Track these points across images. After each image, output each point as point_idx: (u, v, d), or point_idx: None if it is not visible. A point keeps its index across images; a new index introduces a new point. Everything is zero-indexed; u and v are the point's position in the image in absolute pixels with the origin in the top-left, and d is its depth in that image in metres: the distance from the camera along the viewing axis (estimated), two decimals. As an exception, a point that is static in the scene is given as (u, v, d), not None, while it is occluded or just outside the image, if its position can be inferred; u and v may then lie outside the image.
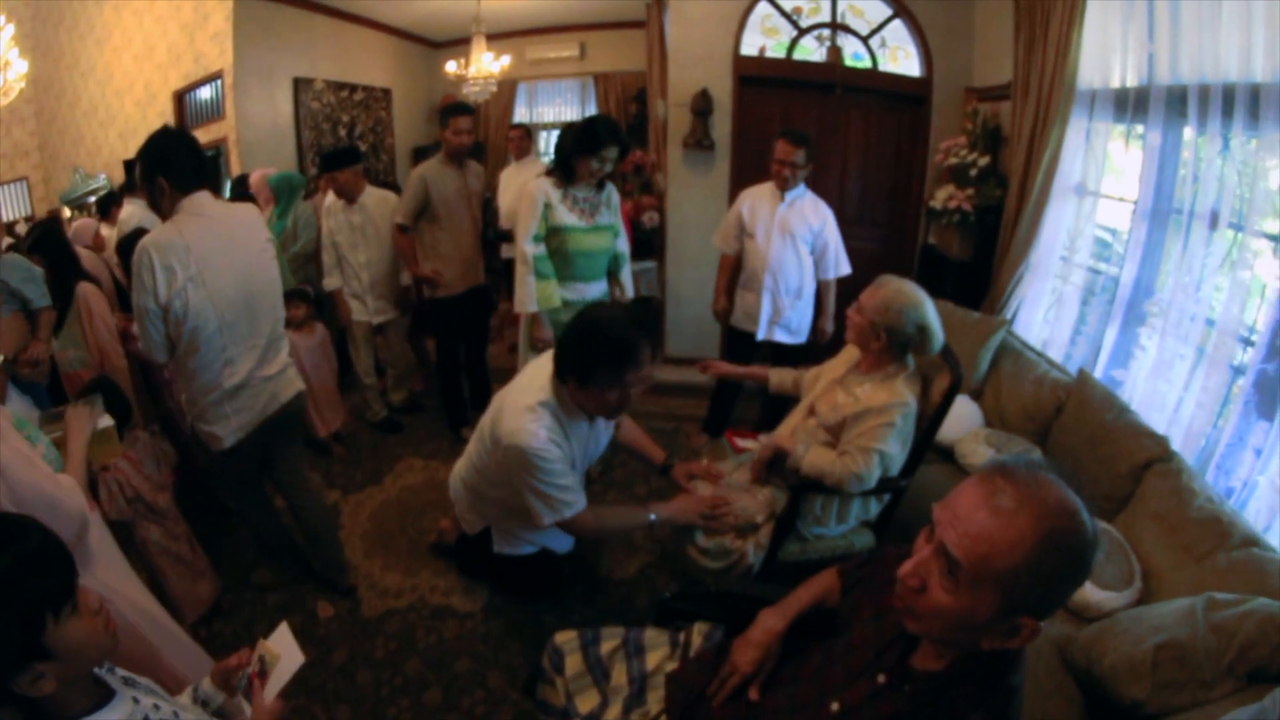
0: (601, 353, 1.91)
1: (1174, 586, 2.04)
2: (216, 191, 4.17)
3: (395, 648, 2.55)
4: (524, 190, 3.06)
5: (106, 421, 2.12)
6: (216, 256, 2.13)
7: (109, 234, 4.55)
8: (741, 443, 2.99)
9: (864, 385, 2.27)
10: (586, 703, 1.63)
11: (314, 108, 5.45)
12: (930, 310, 2.20)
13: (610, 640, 1.71)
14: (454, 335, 3.86)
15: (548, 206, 2.99)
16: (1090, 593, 2.13)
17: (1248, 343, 2.45)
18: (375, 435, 4.06)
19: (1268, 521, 2.20)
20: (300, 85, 5.32)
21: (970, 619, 0.98)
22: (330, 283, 3.88)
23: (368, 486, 3.55)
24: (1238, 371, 2.49)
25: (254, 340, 2.30)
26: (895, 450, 2.18)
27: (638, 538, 3.10)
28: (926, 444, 2.35)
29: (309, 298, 3.70)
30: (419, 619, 2.68)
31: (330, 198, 3.82)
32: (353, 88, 5.77)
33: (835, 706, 1.20)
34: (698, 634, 1.69)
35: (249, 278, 2.23)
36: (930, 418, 2.30)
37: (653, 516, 2.25)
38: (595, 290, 3.27)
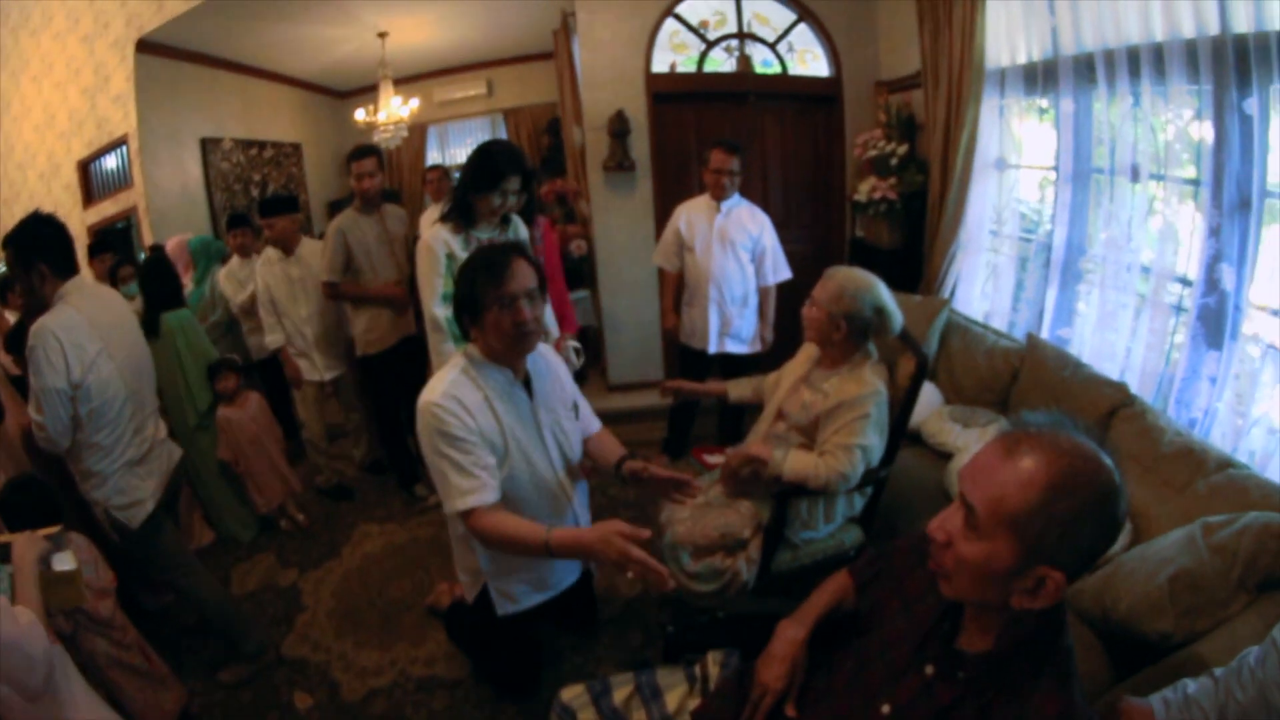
0: (475, 274, 1.85)
1: (1162, 521, 2.12)
2: (131, 262, 4.03)
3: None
4: (420, 247, 2.69)
5: (67, 564, 1.89)
6: (113, 330, 2.25)
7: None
8: (710, 459, 2.99)
9: (831, 380, 2.27)
10: None
11: (224, 168, 5.30)
12: (884, 290, 2.24)
13: (622, 688, 1.60)
14: (393, 390, 3.73)
15: (450, 258, 2.62)
16: (1086, 543, 2.20)
17: (1185, 282, 2.60)
18: (326, 505, 3.86)
19: (1233, 444, 2.33)
20: (208, 145, 5.17)
21: (991, 568, 1.00)
22: (274, 340, 3.69)
23: (325, 561, 3.36)
24: (1179, 310, 2.64)
25: (150, 406, 2.47)
26: (874, 442, 2.17)
27: (621, 581, 2.95)
28: (901, 430, 2.37)
29: (238, 367, 3.52)
30: (405, 695, 2.52)
31: (266, 251, 3.67)
32: (261, 145, 5.64)
33: (886, 709, 1.16)
34: (714, 664, 1.62)
35: (137, 346, 2.40)
36: (901, 403, 2.33)
37: (547, 538, 1.73)
38: None
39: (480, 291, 1.81)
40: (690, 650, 1.70)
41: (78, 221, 5.48)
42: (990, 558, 1.00)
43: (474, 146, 2.70)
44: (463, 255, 2.56)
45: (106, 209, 5.35)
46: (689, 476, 1.96)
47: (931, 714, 1.09)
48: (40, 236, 2.16)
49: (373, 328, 3.59)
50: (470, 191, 2.61)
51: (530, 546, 1.76)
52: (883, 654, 1.24)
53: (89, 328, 2.14)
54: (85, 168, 5.37)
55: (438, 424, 1.80)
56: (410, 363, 3.77)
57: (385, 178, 3.74)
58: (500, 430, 1.89)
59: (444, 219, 2.68)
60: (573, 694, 1.61)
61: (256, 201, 5.54)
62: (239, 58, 5.23)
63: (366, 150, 3.55)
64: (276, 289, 3.64)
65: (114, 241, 4.62)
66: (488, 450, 1.85)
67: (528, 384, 1.99)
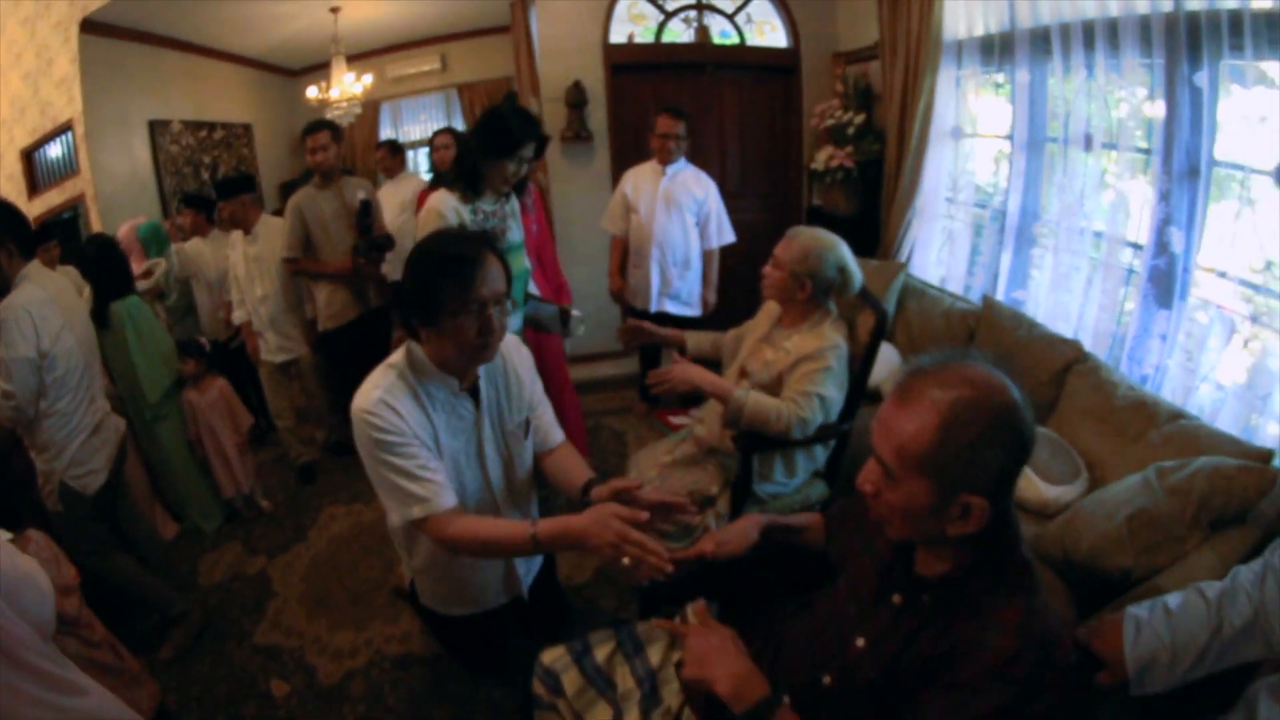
0: (438, 271, 1.58)
1: (1118, 470, 2.22)
2: (73, 251, 3.86)
3: (364, 710, 2.36)
4: (428, 213, 2.50)
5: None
6: (71, 308, 2.44)
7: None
8: (675, 420, 3.01)
9: (793, 338, 2.28)
10: (599, 718, 1.51)
11: (173, 151, 5.09)
12: (846, 250, 2.26)
13: (603, 646, 1.59)
14: (355, 364, 3.66)
15: (462, 229, 2.43)
16: (1044, 490, 2.30)
17: (1135, 247, 2.71)
18: (290, 489, 3.79)
19: (1184, 399, 2.43)
20: (156, 128, 4.94)
21: (915, 508, 1.06)
22: (239, 316, 3.69)
23: (293, 545, 3.30)
24: (1130, 273, 2.75)
25: (99, 379, 2.59)
26: (833, 394, 2.20)
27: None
28: (862, 385, 2.41)
29: (202, 351, 3.41)
30: (382, 674, 2.49)
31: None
32: (211, 126, 5.43)
33: (861, 642, 1.20)
34: (692, 615, 1.56)
35: (86, 324, 2.55)
36: (862, 359, 2.37)
37: (534, 532, 1.56)
38: (515, 324, 2.78)
39: (443, 292, 1.53)
40: (667, 603, 1.69)
41: (24, 210, 5.22)
42: (910, 500, 1.06)
43: (427, 122, 2.67)
44: (472, 229, 2.44)
45: (52, 198, 5.10)
46: (681, 500, 1.68)
47: (903, 640, 1.13)
48: (7, 218, 2.31)
49: (332, 301, 3.58)
50: (483, 159, 2.47)
51: (515, 548, 1.60)
52: (853, 593, 1.29)
53: (53, 303, 2.31)
54: (29, 156, 5.10)
55: (372, 432, 1.58)
56: (373, 335, 3.73)
57: (339, 150, 3.63)
58: (435, 444, 1.67)
59: (451, 187, 2.53)
60: (554, 656, 1.60)
61: (209, 185, 5.37)
62: (187, 36, 5.02)
63: (319, 124, 3.52)
64: (237, 267, 3.60)
65: (59, 231, 4.43)
66: (433, 455, 1.65)
67: (475, 392, 1.74)
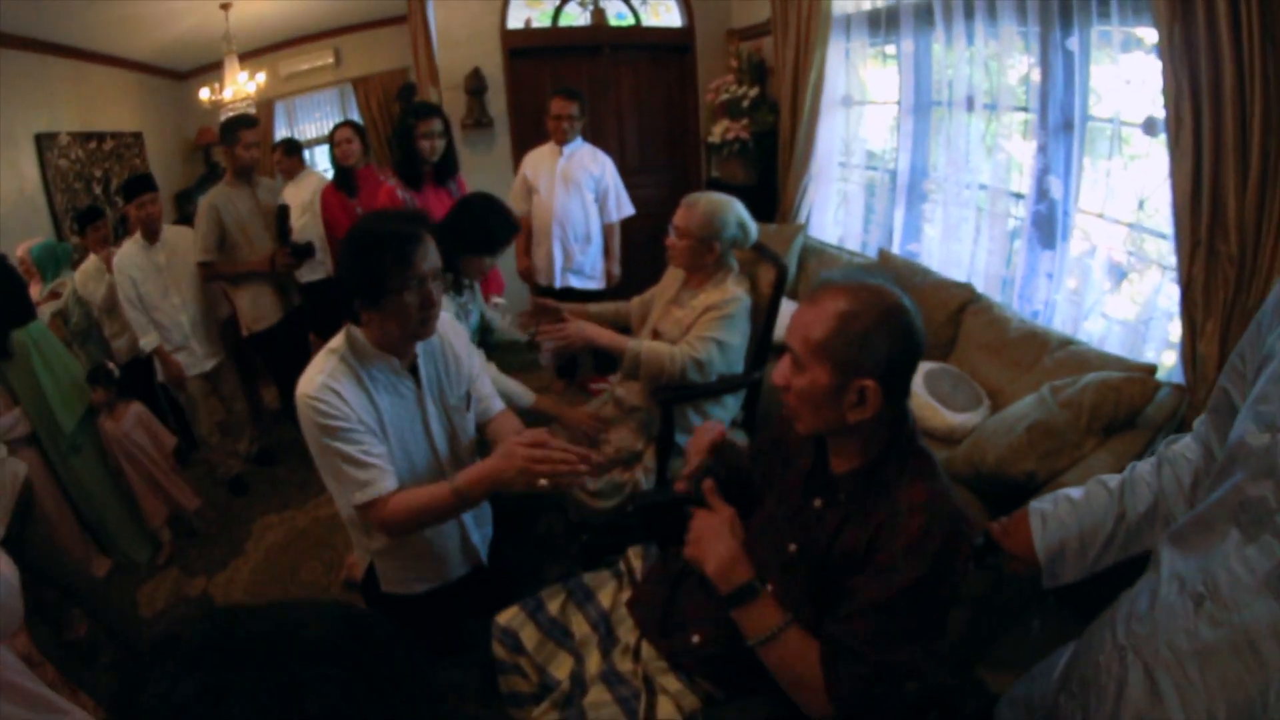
0: (380, 250, 1.56)
1: (1016, 394, 2.37)
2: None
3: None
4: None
5: None
6: None
7: None
8: (595, 385, 3.07)
9: (699, 296, 2.32)
10: (562, 667, 1.53)
11: (62, 165, 4.66)
12: (741, 206, 2.32)
13: (555, 599, 1.62)
14: (285, 369, 3.51)
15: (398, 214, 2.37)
16: (949, 418, 2.45)
17: (1018, 196, 2.90)
18: (220, 505, 3.56)
19: (1072, 329, 2.62)
20: (44, 142, 4.51)
21: (817, 392, 1.17)
22: (149, 341, 3.33)
23: (231, 561, 3.11)
24: (1016, 220, 2.93)
25: None
26: (732, 339, 2.23)
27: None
28: (768, 336, 2.47)
29: (111, 377, 3.12)
30: None
31: (125, 246, 3.32)
32: (101, 137, 5.02)
33: (793, 547, 1.29)
34: (635, 558, 1.67)
35: None
36: (766, 310, 2.43)
37: (452, 486, 1.57)
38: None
39: (387, 271, 1.53)
40: (609, 553, 1.76)
41: None
42: (813, 383, 1.17)
43: (322, 120, 2.60)
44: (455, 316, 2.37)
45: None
46: (587, 452, 1.57)
47: (828, 537, 1.23)
48: None
49: (257, 304, 3.42)
50: (462, 253, 2.39)
51: (442, 508, 1.58)
52: (780, 506, 1.37)
53: None
54: None
55: (318, 417, 1.55)
56: (300, 334, 3.64)
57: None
58: (380, 425, 1.65)
59: None
60: (509, 616, 1.61)
61: (102, 199, 5.01)
62: (71, 41, 4.58)
63: (252, 120, 3.37)
64: (144, 282, 3.28)
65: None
66: (376, 439, 1.62)
67: (415, 370, 1.73)
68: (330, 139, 3.70)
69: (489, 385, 1.97)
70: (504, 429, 1.93)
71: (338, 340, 1.65)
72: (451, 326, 1.86)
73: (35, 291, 3.44)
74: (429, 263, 1.57)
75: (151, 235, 3.30)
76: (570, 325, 2.25)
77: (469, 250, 2.38)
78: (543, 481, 1.43)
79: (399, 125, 2.92)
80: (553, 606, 1.60)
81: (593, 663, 1.49)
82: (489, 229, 2.38)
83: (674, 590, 1.49)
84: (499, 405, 1.97)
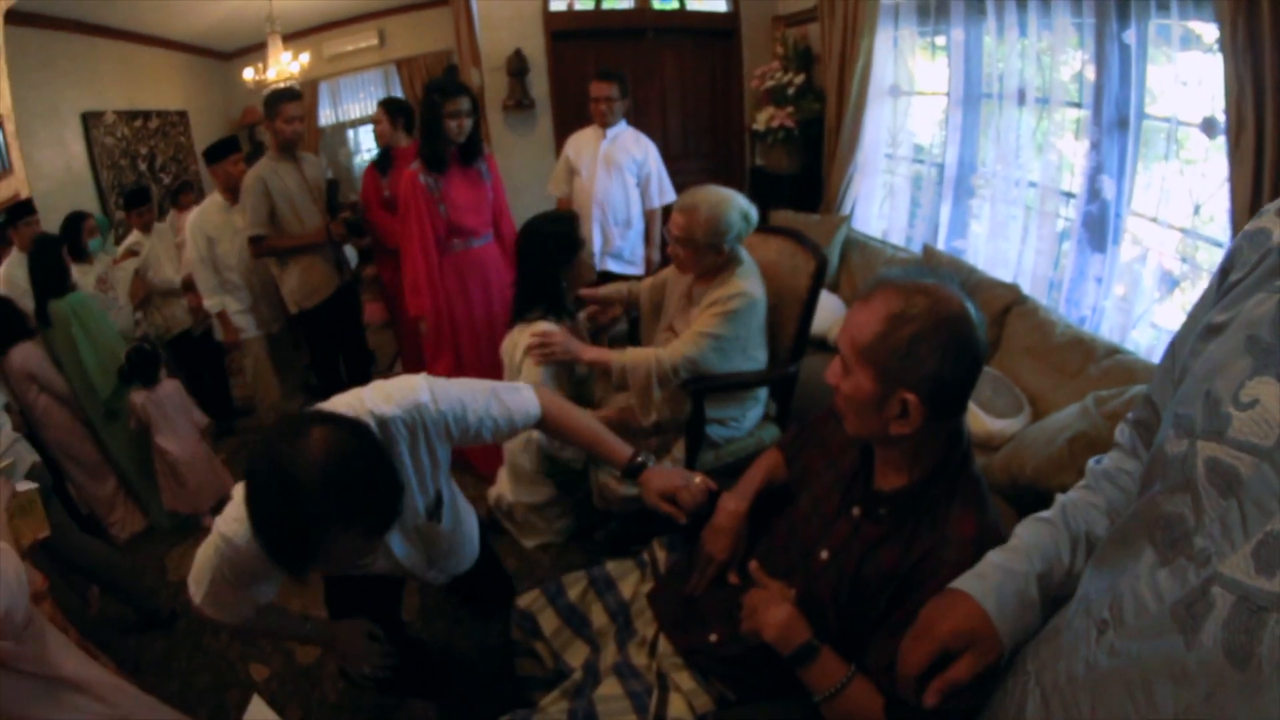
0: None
1: (1058, 403, 2.31)
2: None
3: (345, 685, 2.33)
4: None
5: (24, 485, 1.86)
6: None
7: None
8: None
9: (709, 293, 2.27)
10: (577, 655, 1.54)
11: (108, 143, 4.84)
12: (737, 196, 2.24)
13: (575, 586, 1.62)
14: (331, 346, 3.61)
15: None
16: (989, 423, 2.40)
17: (1069, 195, 2.82)
18: None
19: (1121, 336, 2.55)
20: (90, 121, 4.69)
21: (861, 398, 1.12)
22: (214, 304, 3.47)
23: None
24: (1065, 220, 2.86)
25: None
26: (733, 334, 2.18)
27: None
28: (805, 328, 2.42)
29: (152, 352, 3.21)
30: None
31: (205, 204, 3.46)
32: (146, 115, 5.19)
33: (825, 554, 1.25)
34: (659, 549, 1.67)
35: None
36: (804, 303, 2.38)
37: (308, 626, 1.63)
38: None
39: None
40: (634, 543, 1.75)
41: None
42: (857, 389, 1.12)
43: (366, 100, 2.63)
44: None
45: (-14, 199, 4.87)
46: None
47: (863, 551, 1.19)
48: None
49: (307, 280, 3.42)
50: (562, 270, 2.38)
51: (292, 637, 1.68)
52: (815, 508, 1.34)
53: None
54: None
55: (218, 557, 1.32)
56: (349, 312, 3.65)
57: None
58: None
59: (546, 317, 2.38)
60: (529, 599, 1.62)
61: (148, 176, 5.16)
62: (117, 23, 4.75)
63: (293, 94, 3.38)
64: (221, 241, 3.39)
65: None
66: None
67: None
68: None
69: (502, 420, 1.53)
70: (570, 428, 1.65)
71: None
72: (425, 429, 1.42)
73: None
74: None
75: (234, 196, 3.38)
76: (558, 336, 2.25)
77: (564, 260, 2.35)
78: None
79: (424, 104, 2.88)
80: (573, 593, 1.60)
81: (608, 653, 1.50)
82: (562, 228, 2.37)
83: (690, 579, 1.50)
84: (523, 427, 1.58)
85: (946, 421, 1.13)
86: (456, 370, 3.06)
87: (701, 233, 2.16)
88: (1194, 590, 0.64)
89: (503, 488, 2.70)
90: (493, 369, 3.00)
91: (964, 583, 0.98)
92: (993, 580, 0.96)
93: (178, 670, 2.53)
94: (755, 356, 2.29)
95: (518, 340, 2.34)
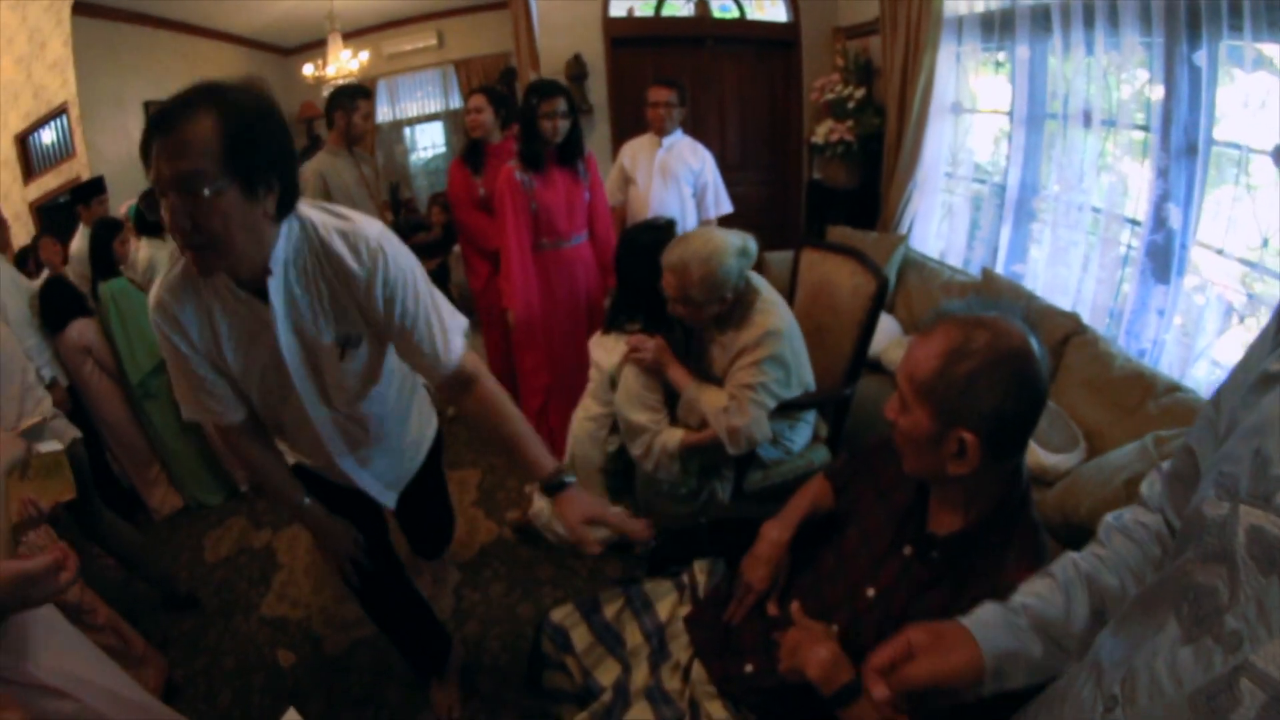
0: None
1: (1115, 439, 2.25)
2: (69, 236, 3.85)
3: (370, 680, 2.38)
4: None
5: (51, 446, 1.81)
6: None
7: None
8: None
9: (727, 333, 2.23)
10: (607, 674, 1.52)
11: None
12: (726, 235, 2.14)
13: (612, 604, 1.61)
14: None
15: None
16: (1043, 458, 2.34)
17: (1133, 223, 2.75)
18: None
19: (1180, 373, 2.46)
20: (151, 109, 4.96)
21: (918, 436, 1.10)
22: None
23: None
24: (1128, 248, 2.78)
25: (7, 393, 2.41)
26: (776, 375, 2.13)
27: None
28: (862, 352, 2.41)
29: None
30: (389, 643, 2.33)
31: (323, 153, 3.44)
32: None
33: (871, 592, 1.23)
34: (700, 572, 1.64)
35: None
36: (862, 325, 2.37)
37: (302, 503, 1.67)
38: None
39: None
40: (674, 562, 1.73)
41: (19, 199, 5.24)
42: (915, 426, 1.10)
43: (424, 99, 2.66)
44: None
45: (48, 182, 5.14)
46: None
47: (912, 592, 1.17)
48: None
49: None
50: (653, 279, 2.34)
51: (281, 498, 1.65)
52: (864, 543, 1.31)
53: None
54: (23, 141, 5.12)
55: (157, 333, 1.38)
56: None
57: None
58: (219, 351, 1.40)
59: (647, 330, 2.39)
60: (563, 613, 1.61)
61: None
62: (181, 16, 5.00)
63: (366, 90, 3.48)
64: (351, 187, 3.38)
65: (60, 216, 4.44)
66: (212, 371, 1.42)
67: (264, 291, 1.33)
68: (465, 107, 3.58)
69: (437, 330, 1.47)
70: (490, 418, 1.55)
71: None
72: (360, 250, 1.36)
73: (136, 246, 3.70)
74: (161, 169, 1.12)
75: (355, 140, 3.46)
76: (654, 345, 2.26)
77: (656, 273, 2.29)
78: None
79: (522, 104, 2.93)
80: (609, 610, 1.59)
81: (640, 675, 1.49)
82: (660, 238, 2.33)
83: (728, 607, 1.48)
84: (454, 354, 1.49)
85: (1006, 461, 1.10)
86: (543, 367, 3.15)
87: (697, 291, 2.08)
88: (1220, 679, 0.56)
89: (543, 503, 2.72)
90: (575, 369, 3.05)
91: (962, 620, 0.95)
92: (978, 612, 0.94)
93: (205, 648, 2.60)
94: (803, 380, 2.26)
95: (611, 349, 2.36)
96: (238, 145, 1.13)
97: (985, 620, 0.91)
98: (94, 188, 3.88)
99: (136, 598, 2.81)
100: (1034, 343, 1.04)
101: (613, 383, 2.38)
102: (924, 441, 1.09)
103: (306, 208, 1.34)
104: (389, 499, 1.84)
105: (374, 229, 1.36)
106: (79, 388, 3.17)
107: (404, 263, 1.39)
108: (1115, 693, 0.68)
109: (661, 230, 2.38)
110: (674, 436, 2.23)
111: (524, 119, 2.90)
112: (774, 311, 2.17)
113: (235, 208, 1.15)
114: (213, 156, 1.11)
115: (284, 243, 1.29)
